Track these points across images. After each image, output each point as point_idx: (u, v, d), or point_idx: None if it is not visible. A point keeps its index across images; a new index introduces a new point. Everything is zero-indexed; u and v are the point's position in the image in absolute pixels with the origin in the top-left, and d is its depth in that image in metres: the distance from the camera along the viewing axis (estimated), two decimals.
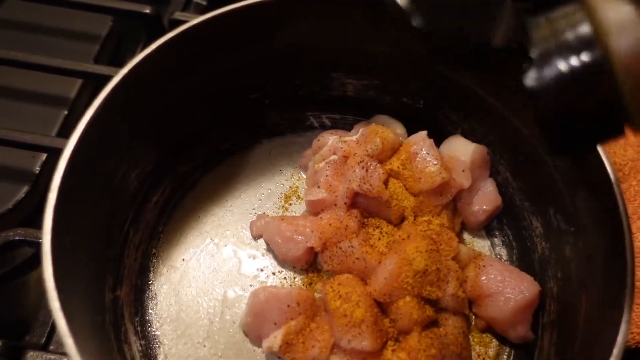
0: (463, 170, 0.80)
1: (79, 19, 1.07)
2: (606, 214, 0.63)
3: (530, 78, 0.42)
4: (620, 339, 0.54)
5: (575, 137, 0.44)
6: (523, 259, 0.82)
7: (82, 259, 0.64)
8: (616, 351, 0.54)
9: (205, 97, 0.80)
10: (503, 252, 0.85)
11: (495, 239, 0.86)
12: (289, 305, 0.73)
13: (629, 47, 0.38)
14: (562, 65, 0.40)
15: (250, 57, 0.79)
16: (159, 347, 0.75)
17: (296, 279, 0.80)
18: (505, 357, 0.77)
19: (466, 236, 0.86)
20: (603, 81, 0.40)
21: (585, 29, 0.40)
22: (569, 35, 0.40)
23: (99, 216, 0.69)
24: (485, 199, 0.83)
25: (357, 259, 0.76)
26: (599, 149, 0.64)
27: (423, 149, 0.80)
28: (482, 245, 0.86)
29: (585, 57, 0.40)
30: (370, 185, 0.77)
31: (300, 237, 0.78)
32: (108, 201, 0.71)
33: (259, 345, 0.74)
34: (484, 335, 0.78)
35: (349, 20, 0.77)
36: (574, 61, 0.40)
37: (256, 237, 0.83)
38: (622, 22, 0.38)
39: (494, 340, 0.78)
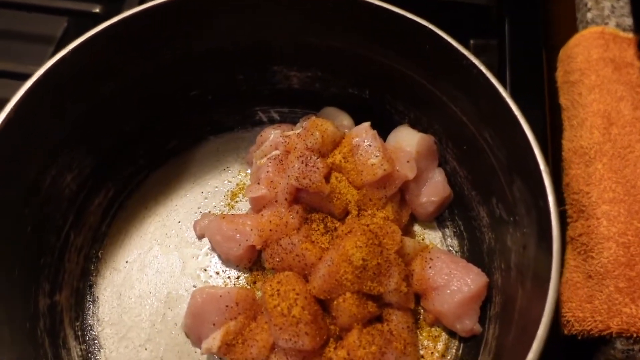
0: (408, 161, 0.78)
1: (34, 21, 1.06)
2: (537, 202, 0.60)
3: None
4: (540, 332, 0.52)
5: None
6: (473, 249, 0.80)
7: (4, 268, 0.63)
8: (535, 346, 0.52)
9: (140, 96, 0.79)
10: (454, 243, 0.83)
11: (447, 230, 0.84)
12: (227, 306, 0.72)
13: None
14: None
15: (183, 53, 0.77)
16: (99, 351, 0.74)
17: (240, 278, 0.79)
18: (454, 350, 0.76)
19: (417, 228, 0.84)
20: None
21: None
22: None
23: (25, 223, 0.68)
24: (433, 189, 0.81)
25: (297, 255, 0.74)
26: (530, 136, 0.62)
27: (365, 141, 0.78)
28: (433, 236, 0.84)
29: None
30: (310, 180, 0.76)
31: (239, 235, 0.77)
32: (36, 207, 0.69)
33: (200, 347, 0.73)
34: (433, 329, 0.77)
35: (282, 14, 0.75)
36: None
37: (200, 237, 0.82)
38: None
39: (443, 334, 0.76)
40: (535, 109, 0.94)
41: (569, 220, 0.88)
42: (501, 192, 0.70)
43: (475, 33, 1.02)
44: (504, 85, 0.94)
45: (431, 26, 0.68)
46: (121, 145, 0.82)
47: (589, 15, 1.08)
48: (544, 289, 0.55)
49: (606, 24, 1.06)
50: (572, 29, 1.07)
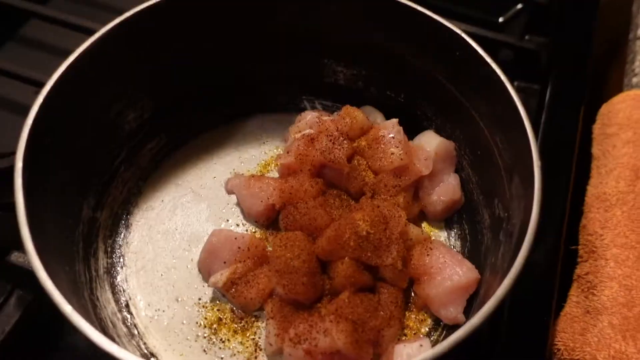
0: (425, 159, 0.86)
1: None
2: (525, 193, 0.66)
3: None
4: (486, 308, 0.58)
5: None
6: (473, 250, 0.85)
7: (60, 172, 0.74)
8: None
9: (201, 66, 0.91)
10: (457, 244, 0.88)
11: (453, 232, 0.90)
12: (239, 248, 0.81)
13: None
14: None
15: (241, 35, 0.89)
16: (121, 268, 0.84)
17: (256, 233, 0.88)
18: (436, 336, 0.80)
19: (425, 226, 0.91)
20: None
21: None
22: None
23: (87, 144, 0.79)
24: (445, 190, 0.87)
25: (309, 218, 0.82)
26: (530, 137, 0.69)
27: (390, 134, 0.87)
28: (438, 236, 0.90)
29: None
30: (334, 156, 0.84)
31: (263, 193, 0.86)
32: (101, 133, 0.82)
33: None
34: (421, 313, 0.82)
35: (336, 5, 0.85)
36: None
37: (229, 192, 0.91)
38: None
39: (429, 319, 0.82)
40: (564, 156, 0.97)
41: (579, 260, 0.92)
42: (502, 191, 0.76)
43: (521, 76, 1.09)
44: (537, 130, 1.00)
45: (463, 34, 0.77)
46: (181, 102, 0.93)
47: (635, 80, 1.13)
48: (501, 278, 0.60)
49: None
50: (617, 91, 1.13)
